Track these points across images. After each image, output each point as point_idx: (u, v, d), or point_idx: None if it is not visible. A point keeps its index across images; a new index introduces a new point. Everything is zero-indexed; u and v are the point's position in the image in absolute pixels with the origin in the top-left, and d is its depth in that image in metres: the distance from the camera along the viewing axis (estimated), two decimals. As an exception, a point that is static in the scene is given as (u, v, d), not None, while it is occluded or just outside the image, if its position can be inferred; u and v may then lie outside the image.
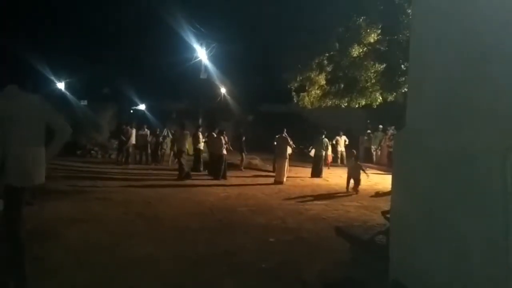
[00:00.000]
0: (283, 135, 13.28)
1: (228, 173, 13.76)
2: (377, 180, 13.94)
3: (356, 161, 11.89)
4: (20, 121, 3.44)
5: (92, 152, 20.38)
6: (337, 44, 13.37)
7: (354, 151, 14.11)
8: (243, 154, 16.67)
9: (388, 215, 4.66)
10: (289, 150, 13.44)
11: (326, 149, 15.44)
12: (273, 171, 14.34)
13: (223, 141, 13.65)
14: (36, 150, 3.55)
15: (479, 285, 2.73)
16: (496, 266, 2.60)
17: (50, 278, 4.17)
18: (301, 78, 14.82)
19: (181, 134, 13.93)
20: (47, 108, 3.67)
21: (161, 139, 18.32)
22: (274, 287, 4.26)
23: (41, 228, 6.10)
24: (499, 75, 2.77)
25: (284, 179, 12.74)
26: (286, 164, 13.02)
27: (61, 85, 32.80)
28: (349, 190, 11.51)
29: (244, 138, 16.71)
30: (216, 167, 13.40)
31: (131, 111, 34.42)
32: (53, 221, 6.55)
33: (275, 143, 13.61)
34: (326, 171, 15.49)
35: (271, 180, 12.97)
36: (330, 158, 18.43)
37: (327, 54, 13.85)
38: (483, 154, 2.74)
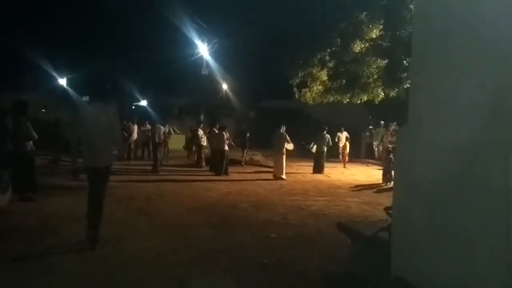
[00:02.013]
0: (281, 131, 13.24)
1: (230, 169, 13.76)
2: (379, 176, 13.92)
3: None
4: (101, 121, 5.05)
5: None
6: (339, 40, 13.34)
7: (390, 146, 14.20)
8: (245, 150, 16.68)
9: (390, 211, 4.65)
10: (289, 147, 13.40)
11: (328, 145, 15.33)
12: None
13: (225, 137, 13.64)
14: (109, 142, 5.18)
15: (480, 280, 2.72)
16: (498, 261, 2.59)
17: (52, 273, 4.18)
18: (302, 74, 14.80)
19: (155, 128, 14.41)
20: (115, 120, 5.44)
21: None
22: (276, 282, 4.27)
23: (43, 223, 6.12)
24: (501, 71, 2.75)
25: (284, 175, 12.72)
26: (284, 160, 12.96)
27: (62, 81, 32.83)
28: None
29: (248, 135, 16.74)
30: (217, 162, 13.40)
31: (133, 107, 34.42)
32: (55, 216, 6.57)
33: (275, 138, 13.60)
34: (328, 168, 15.44)
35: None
36: (346, 157, 17.71)
37: (329, 50, 13.82)
38: (485, 150, 2.73)
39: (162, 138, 14.72)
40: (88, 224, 5.13)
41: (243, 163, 16.41)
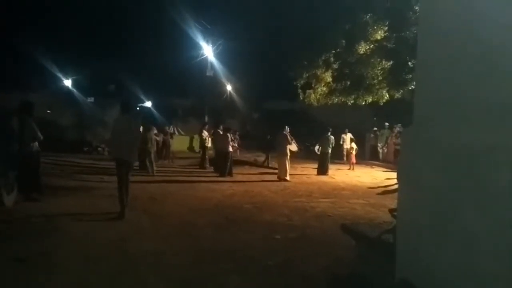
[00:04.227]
0: (284, 132, 13.26)
1: (235, 170, 13.78)
2: (383, 178, 13.89)
3: None
4: (124, 128, 7.02)
5: (99, 149, 20.47)
6: (343, 41, 13.31)
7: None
8: (269, 154, 17.13)
9: (395, 213, 4.64)
10: (293, 148, 13.41)
11: (332, 146, 15.30)
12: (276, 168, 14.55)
13: (229, 139, 13.67)
14: (129, 142, 6.94)
15: (486, 282, 2.71)
16: (504, 264, 2.57)
17: (57, 273, 4.19)
18: (307, 75, 14.78)
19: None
20: (137, 127, 7.62)
21: (169, 136, 18.39)
22: (280, 283, 4.26)
23: (48, 224, 6.14)
24: (507, 71, 2.74)
25: (288, 177, 12.70)
26: (287, 161, 12.94)
27: (68, 83, 32.97)
28: None
29: (269, 137, 16.93)
30: (222, 164, 13.42)
31: (138, 108, 34.49)
32: (60, 217, 6.60)
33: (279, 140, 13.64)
34: (332, 169, 15.41)
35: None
36: (354, 158, 17.43)
37: (333, 51, 13.79)
38: (490, 151, 2.72)
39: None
40: (120, 203, 6.90)
41: (265, 164, 17.03)
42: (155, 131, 16.74)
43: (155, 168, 13.10)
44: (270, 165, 16.64)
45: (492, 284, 2.67)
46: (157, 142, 17.50)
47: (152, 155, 13.34)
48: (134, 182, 10.30)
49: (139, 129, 8.06)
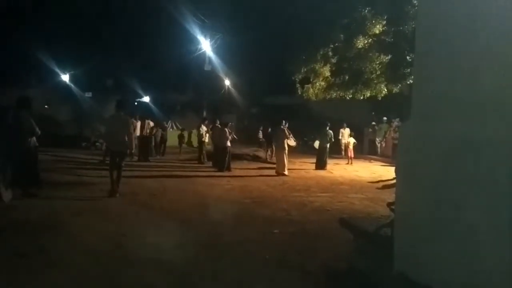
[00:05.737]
0: (281, 127, 13.26)
1: (233, 165, 13.78)
2: (382, 173, 13.91)
3: None
4: (117, 123, 8.10)
5: (97, 144, 20.44)
6: (342, 36, 13.30)
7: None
8: (271, 147, 16.99)
9: (393, 207, 4.65)
10: (291, 143, 13.41)
11: (330, 141, 15.29)
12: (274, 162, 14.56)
13: (227, 133, 13.66)
14: (122, 135, 7.96)
15: (483, 275, 2.72)
16: (501, 256, 2.59)
17: (56, 269, 4.19)
18: (305, 69, 14.77)
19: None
20: (127, 122, 8.30)
21: (170, 130, 18.43)
22: (278, 277, 4.28)
23: (47, 219, 6.14)
24: (506, 65, 2.74)
25: (286, 171, 12.71)
26: (285, 156, 12.94)
27: (66, 77, 32.84)
28: None
29: (270, 130, 16.89)
30: (220, 159, 13.42)
31: (136, 103, 34.43)
32: (59, 212, 6.59)
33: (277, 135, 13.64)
34: (331, 164, 15.44)
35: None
36: (351, 153, 17.34)
37: (332, 46, 13.78)
38: (489, 144, 2.72)
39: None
40: (111, 184, 8.03)
41: (268, 159, 16.83)
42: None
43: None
44: (271, 159, 16.67)
45: (490, 277, 2.68)
46: (155, 136, 17.55)
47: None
48: (132, 177, 10.34)
49: (131, 124, 8.90)
